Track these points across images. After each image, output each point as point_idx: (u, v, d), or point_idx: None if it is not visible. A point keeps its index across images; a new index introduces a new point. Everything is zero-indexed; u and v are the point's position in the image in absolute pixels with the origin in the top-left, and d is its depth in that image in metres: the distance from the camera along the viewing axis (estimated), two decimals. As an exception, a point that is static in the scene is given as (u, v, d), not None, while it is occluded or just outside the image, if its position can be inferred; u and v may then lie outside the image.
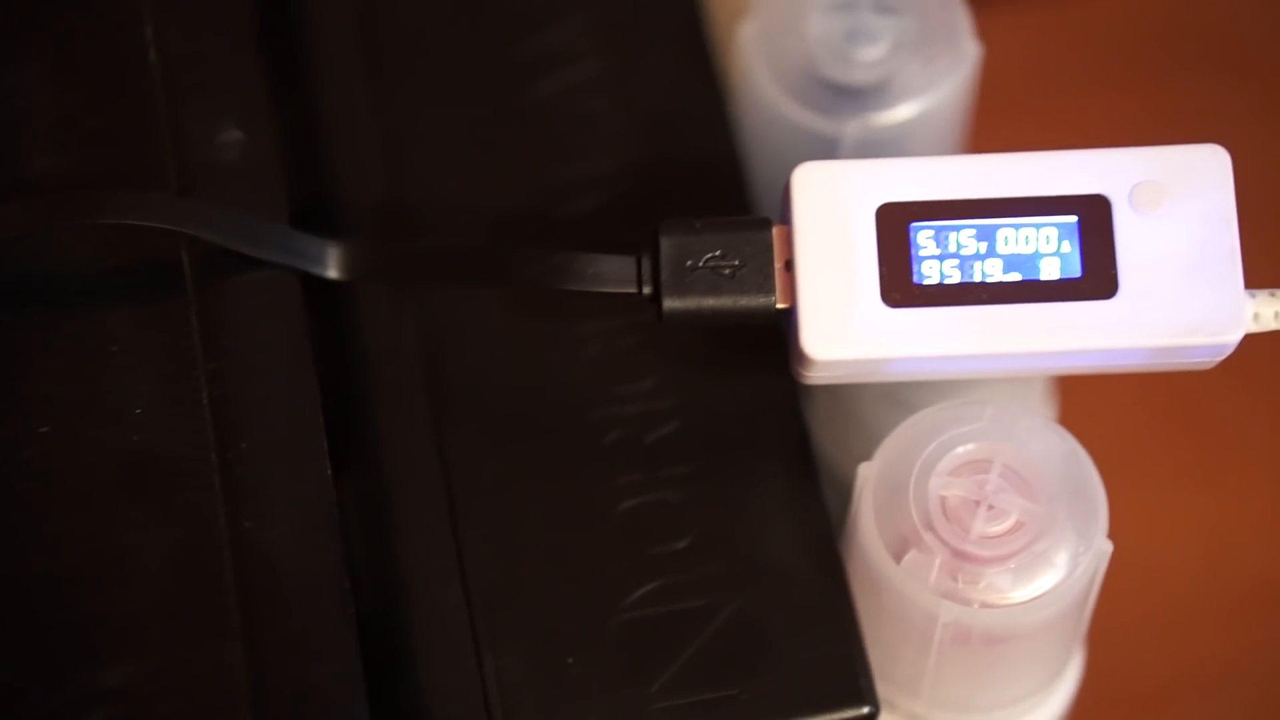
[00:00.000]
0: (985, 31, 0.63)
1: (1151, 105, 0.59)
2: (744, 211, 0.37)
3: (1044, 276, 0.33)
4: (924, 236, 0.33)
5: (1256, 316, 0.34)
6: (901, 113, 0.38)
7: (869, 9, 0.38)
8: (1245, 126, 0.58)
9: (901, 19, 0.38)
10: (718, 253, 0.34)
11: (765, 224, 0.34)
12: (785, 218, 0.34)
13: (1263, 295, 0.34)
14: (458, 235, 0.37)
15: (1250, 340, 0.35)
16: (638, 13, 0.40)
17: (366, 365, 0.36)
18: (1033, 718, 0.37)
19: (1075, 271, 0.33)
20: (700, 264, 0.34)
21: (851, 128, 0.38)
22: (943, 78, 0.38)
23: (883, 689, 0.36)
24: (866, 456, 0.35)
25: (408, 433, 0.35)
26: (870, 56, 0.38)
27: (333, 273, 0.34)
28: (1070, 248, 0.33)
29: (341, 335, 0.37)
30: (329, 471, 0.33)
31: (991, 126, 0.61)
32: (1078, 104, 0.59)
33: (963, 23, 0.38)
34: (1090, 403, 0.56)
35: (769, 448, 0.36)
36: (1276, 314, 0.33)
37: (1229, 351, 0.33)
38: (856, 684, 0.34)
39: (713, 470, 0.36)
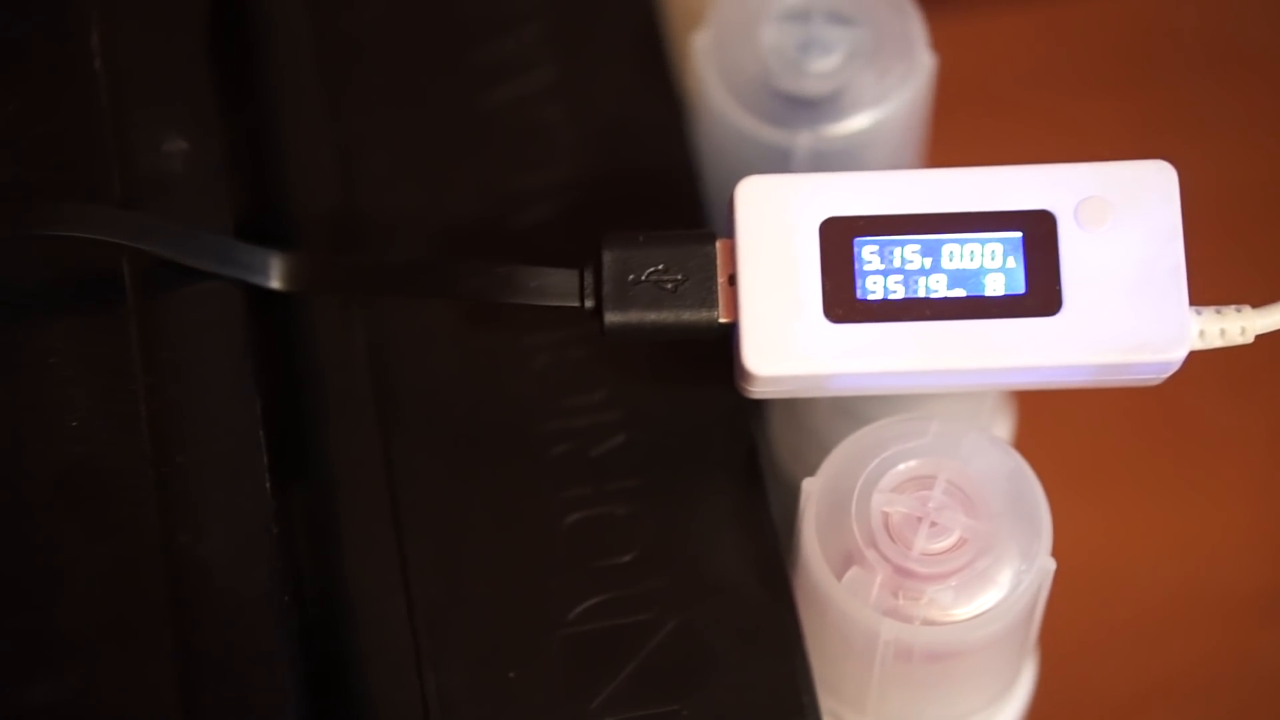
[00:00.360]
0: (968, 34, 0.64)
1: (1136, 109, 0.58)
2: (698, 223, 0.37)
3: (988, 293, 0.33)
4: (868, 251, 0.33)
5: (1202, 334, 0.33)
6: (855, 124, 0.37)
7: (823, 20, 0.38)
8: (1229, 131, 0.58)
9: (855, 30, 0.38)
10: (660, 266, 0.34)
11: (709, 238, 0.34)
12: (730, 231, 0.34)
13: (1208, 312, 0.33)
14: (406, 246, 0.37)
15: (1225, 351, 0.35)
16: (594, 22, 0.39)
17: (315, 376, 0.36)
18: (984, 732, 0.37)
19: (1020, 288, 0.33)
20: (643, 278, 0.34)
21: (804, 139, 0.37)
22: (896, 89, 0.37)
23: (830, 703, 0.36)
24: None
25: (354, 444, 0.35)
26: (824, 67, 0.37)
27: (276, 284, 0.34)
28: (1015, 264, 0.33)
29: (291, 345, 0.36)
30: (268, 485, 0.33)
31: (975, 129, 0.61)
32: (1062, 107, 0.58)
33: (918, 33, 0.38)
34: (1063, 412, 0.56)
35: (717, 461, 0.36)
36: (1222, 331, 0.33)
37: (1174, 369, 0.33)
38: (799, 701, 0.34)
39: (660, 484, 0.36)
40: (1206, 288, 0.58)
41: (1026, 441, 0.54)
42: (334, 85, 0.38)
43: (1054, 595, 0.56)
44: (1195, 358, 0.35)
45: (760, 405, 0.40)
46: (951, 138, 0.61)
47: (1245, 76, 0.59)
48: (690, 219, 0.38)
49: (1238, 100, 0.58)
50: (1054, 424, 0.53)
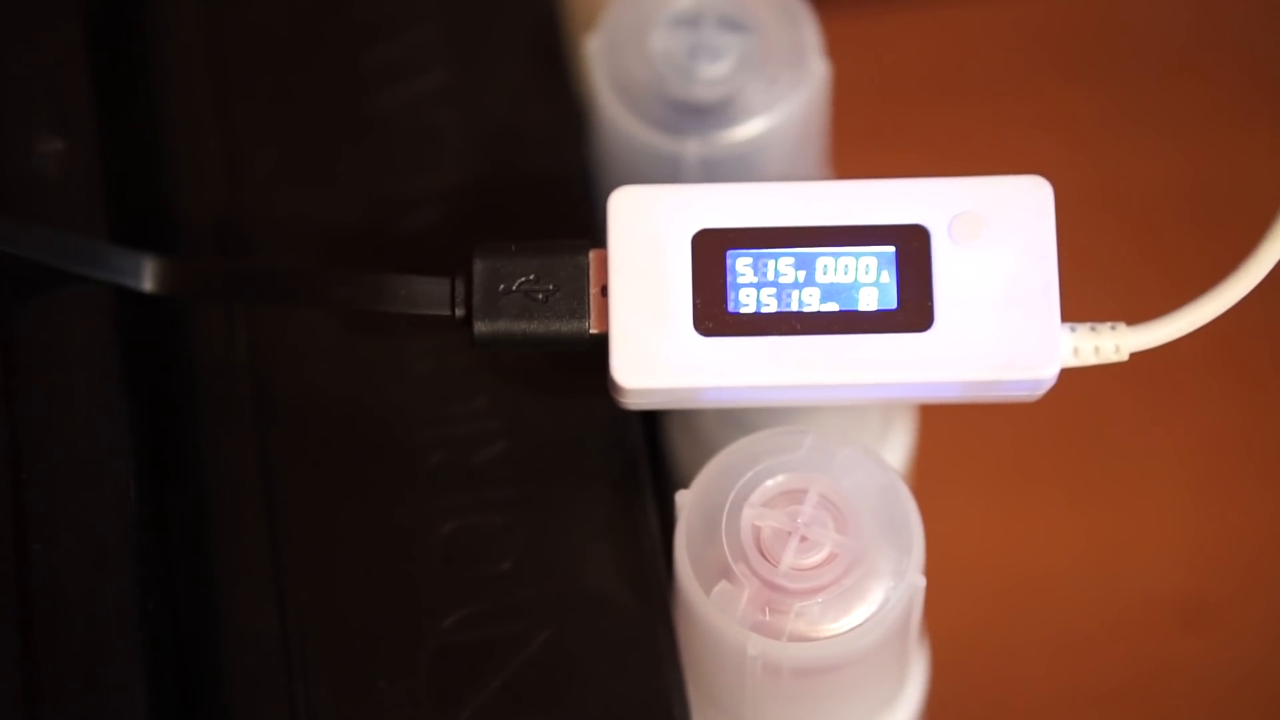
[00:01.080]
0: (912, 29, 0.63)
1: (1084, 106, 0.58)
2: (588, 232, 0.37)
3: (861, 307, 0.33)
4: (742, 264, 0.33)
5: (1076, 351, 0.33)
6: (745, 131, 0.37)
7: (713, 25, 0.37)
8: (1177, 128, 0.58)
9: (746, 36, 0.37)
10: (531, 276, 0.33)
11: (582, 248, 0.33)
12: (605, 242, 0.34)
13: (1082, 329, 0.33)
14: (291, 249, 0.37)
15: (1146, 356, 0.35)
16: (490, 23, 0.39)
17: (193, 380, 0.36)
18: (870, 745, 0.37)
19: (891, 303, 0.33)
20: (514, 288, 0.33)
21: (693, 146, 0.37)
22: (787, 96, 0.37)
23: (712, 714, 0.36)
24: (707, 479, 0.35)
25: (230, 450, 0.35)
26: (714, 74, 0.37)
27: (148, 287, 0.34)
28: (889, 278, 0.33)
29: (172, 348, 0.36)
30: (133, 491, 0.32)
31: (921, 122, 0.61)
32: (1007, 102, 0.58)
33: (811, 40, 0.37)
34: (984, 417, 0.55)
35: (597, 471, 0.36)
36: (1096, 349, 0.33)
37: (1046, 386, 0.33)
38: (670, 713, 0.33)
39: (539, 493, 0.35)
40: (1151, 286, 0.58)
41: (945, 445, 0.54)
42: (221, 84, 0.38)
43: (975, 601, 0.56)
44: (1124, 365, 0.35)
45: (657, 413, 0.40)
46: (896, 132, 0.61)
47: (1194, 73, 0.58)
48: (581, 227, 0.37)
49: (1186, 97, 0.58)
50: (974, 429, 0.53)
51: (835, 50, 0.40)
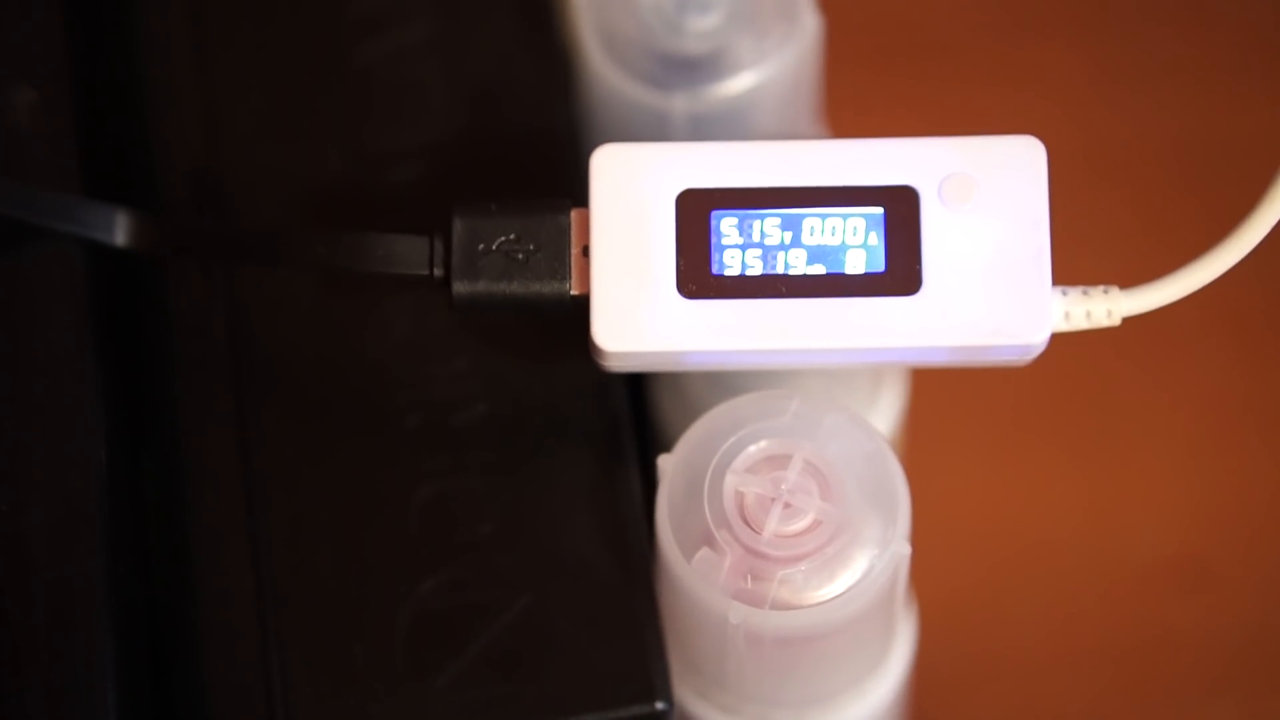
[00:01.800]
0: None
1: (1086, 57, 0.57)
2: (573, 188, 0.36)
3: (848, 270, 0.32)
4: (727, 225, 0.32)
5: (1067, 315, 0.32)
6: (734, 86, 0.36)
7: (702, -22, 0.37)
8: (1184, 82, 0.57)
9: (737, -11, 0.37)
10: (512, 236, 0.33)
11: (563, 207, 0.33)
12: (588, 200, 0.33)
13: (1074, 293, 0.32)
14: (270, 205, 0.36)
15: (1144, 318, 0.34)
16: (477, -27, 0.39)
17: (169, 339, 0.35)
18: (853, 710, 0.36)
19: (879, 266, 0.32)
20: (493, 247, 0.32)
21: (681, 101, 0.36)
22: (777, 50, 0.36)
23: (694, 680, 0.36)
24: (694, 440, 0.34)
25: (207, 411, 0.34)
26: (702, 26, 0.36)
27: (121, 241, 0.33)
28: (877, 240, 0.32)
29: (148, 307, 0.36)
30: (104, 454, 0.32)
31: (920, 75, 0.60)
32: (1007, 54, 0.57)
33: (802, -6, 0.37)
34: (979, 373, 0.55)
35: (580, 434, 0.35)
36: (1088, 313, 0.32)
37: (1037, 352, 0.32)
38: (649, 680, 0.33)
39: (520, 457, 0.35)
40: (1145, 245, 0.58)
41: (939, 405, 0.53)
42: (200, 34, 0.37)
43: (969, 563, 0.55)
44: (1121, 326, 0.34)
45: (642, 373, 0.39)
46: (885, 89, 0.60)
47: (1200, 26, 0.57)
48: (566, 183, 0.37)
49: (1180, 52, 0.57)
50: (969, 389, 0.52)
51: (823, 5, 0.39)
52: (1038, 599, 0.52)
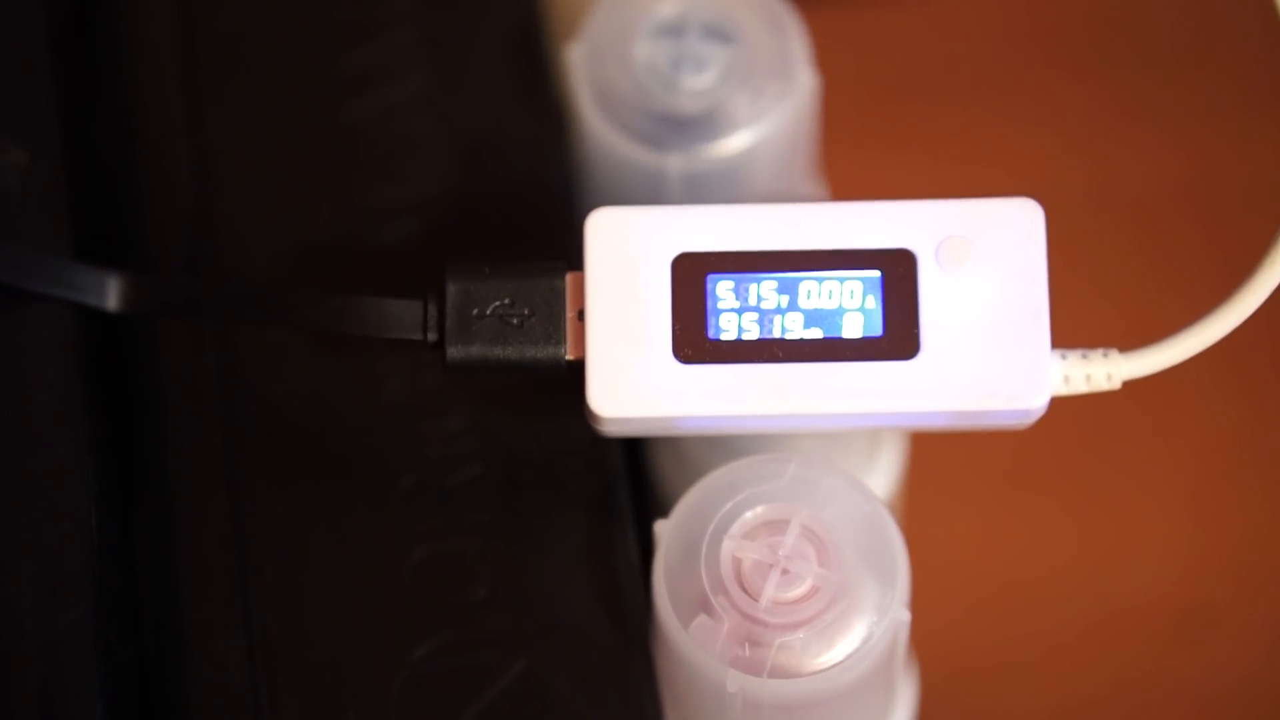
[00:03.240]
0: (913, 20, 0.62)
1: (1084, 98, 0.57)
2: (569, 247, 0.36)
3: (845, 334, 0.32)
4: (723, 288, 0.32)
5: (1067, 379, 0.32)
6: (730, 145, 0.36)
7: (698, 35, 0.36)
8: (1181, 122, 0.57)
9: (732, 46, 0.36)
10: (506, 300, 0.32)
11: (558, 270, 0.32)
12: (582, 263, 0.33)
13: (1074, 356, 0.32)
14: (263, 263, 0.36)
15: None
16: (470, 29, 0.38)
17: (161, 399, 0.35)
18: (853, 774, 0.36)
19: (877, 330, 0.32)
20: (488, 312, 0.32)
21: (676, 160, 0.36)
22: (773, 108, 0.36)
23: (691, 745, 0.35)
24: (691, 501, 0.34)
25: (199, 473, 0.34)
26: (698, 85, 0.36)
27: (112, 305, 0.33)
28: (874, 304, 0.32)
29: (136, 367, 0.35)
30: (93, 517, 0.32)
31: (920, 116, 0.60)
32: (1005, 94, 0.57)
33: (798, 51, 0.36)
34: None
35: (576, 495, 0.35)
36: (1088, 377, 0.32)
37: (1036, 416, 0.32)
38: (647, 748, 0.33)
39: (514, 518, 0.34)
40: (1150, 285, 0.57)
41: (940, 451, 0.53)
42: (192, 90, 0.37)
43: (966, 609, 0.55)
44: None
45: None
46: (890, 130, 0.60)
47: (1193, 67, 0.57)
48: (561, 242, 0.36)
49: (1185, 91, 0.56)
50: (969, 438, 0.52)
51: (828, 45, 0.39)
52: (1039, 650, 0.51)
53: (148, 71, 0.37)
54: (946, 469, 0.52)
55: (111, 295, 0.33)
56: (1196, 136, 0.56)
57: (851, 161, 0.51)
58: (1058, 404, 0.36)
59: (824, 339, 0.32)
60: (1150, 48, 0.57)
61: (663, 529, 0.33)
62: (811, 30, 0.38)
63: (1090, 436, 0.53)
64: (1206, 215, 0.55)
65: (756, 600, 0.32)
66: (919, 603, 0.34)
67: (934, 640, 0.44)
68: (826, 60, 0.39)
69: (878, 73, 0.56)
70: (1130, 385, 0.33)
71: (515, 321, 0.32)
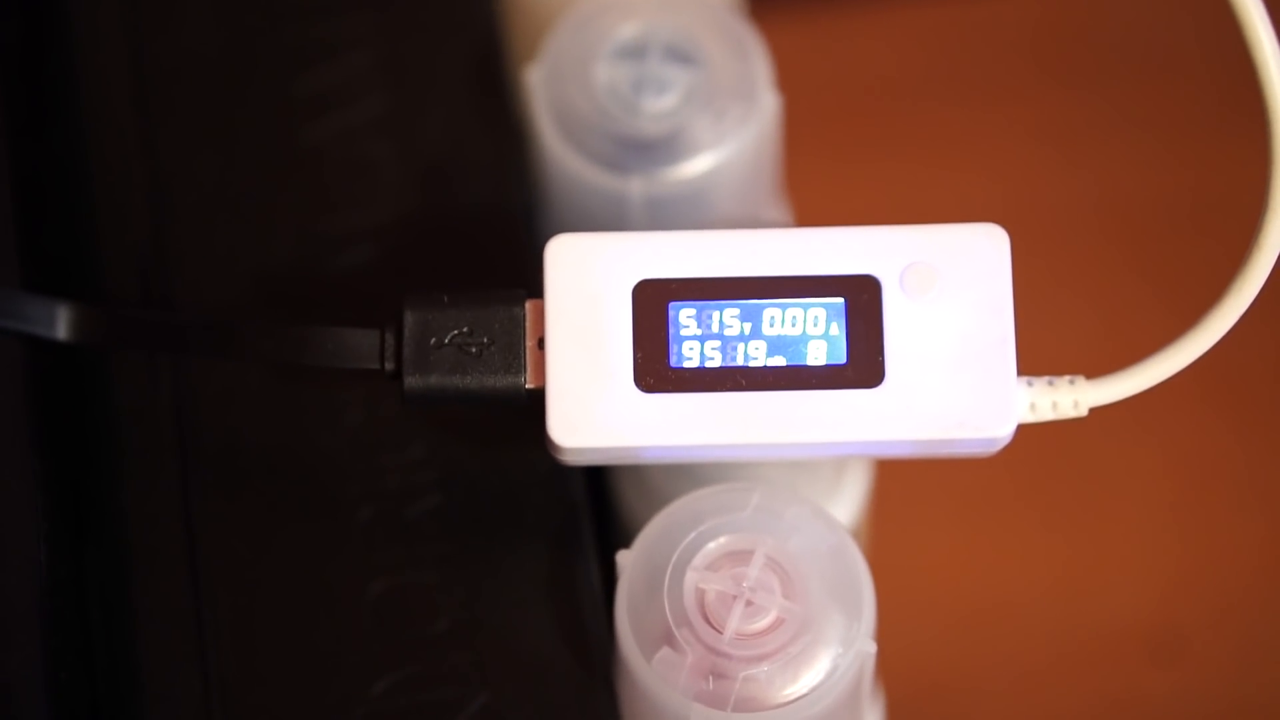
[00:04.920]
0: (876, 33, 0.62)
1: (1046, 115, 0.57)
2: (528, 272, 0.35)
3: (809, 362, 0.31)
4: (685, 316, 0.31)
5: (1033, 407, 0.32)
6: (692, 168, 0.35)
7: (659, 57, 0.36)
8: (1143, 138, 0.56)
9: (694, 69, 0.36)
10: (465, 329, 0.32)
11: (517, 298, 0.32)
12: (543, 290, 0.32)
13: (1039, 384, 0.32)
14: (219, 290, 0.35)
15: None
16: (429, 52, 0.37)
17: (113, 431, 0.34)
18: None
19: (841, 358, 0.31)
20: (445, 341, 0.32)
21: (638, 183, 0.36)
22: (735, 131, 0.35)
23: (656, 778, 0.35)
24: (654, 529, 0.33)
25: (152, 506, 0.33)
26: (659, 108, 0.35)
27: (62, 335, 0.32)
28: (838, 331, 0.31)
29: (88, 399, 0.35)
30: (42, 557, 0.31)
31: (882, 133, 0.59)
32: (964, 112, 0.57)
33: (761, 73, 0.36)
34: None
35: (537, 525, 0.34)
36: (1054, 404, 0.32)
37: (1002, 444, 0.31)
38: (609, 784, 0.32)
39: (475, 549, 0.34)
40: (1116, 298, 0.57)
41: (906, 472, 0.52)
42: (144, 113, 0.36)
43: (935, 634, 0.55)
44: None
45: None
46: (871, 136, 0.59)
47: (1177, 77, 0.57)
48: (521, 267, 0.36)
49: (1170, 101, 0.56)
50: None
51: (803, 54, 0.38)
52: (1008, 674, 0.51)
53: (99, 95, 0.36)
54: (914, 494, 0.52)
55: (62, 326, 0.32)
56: (1176, 149, 0.56)
57: (823, 175, 0.50)
58: (1026, 428, 0.35)
59: (788, 366, 0.31)
60: (1129, 59, 0.57)
61: (625, 560, 0.32)
62: (785, 40, 0.38)
63: (1059, 460, 0.53)
64: (1186, 227, 0.55)
65: (720, 632, 0.31)
66: (886, 627, 0.33)
67: (902, 664, 0.44)
68: (801, 70, 0.39)
69: (851, 83, 0.55)
70: (1102, 407, 0.33)
71: (474, 350, 0.32)
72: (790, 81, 0.38)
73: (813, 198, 0.43)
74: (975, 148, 0.56)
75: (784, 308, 0.31)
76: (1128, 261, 0.55)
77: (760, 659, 0.31)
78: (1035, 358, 0.33)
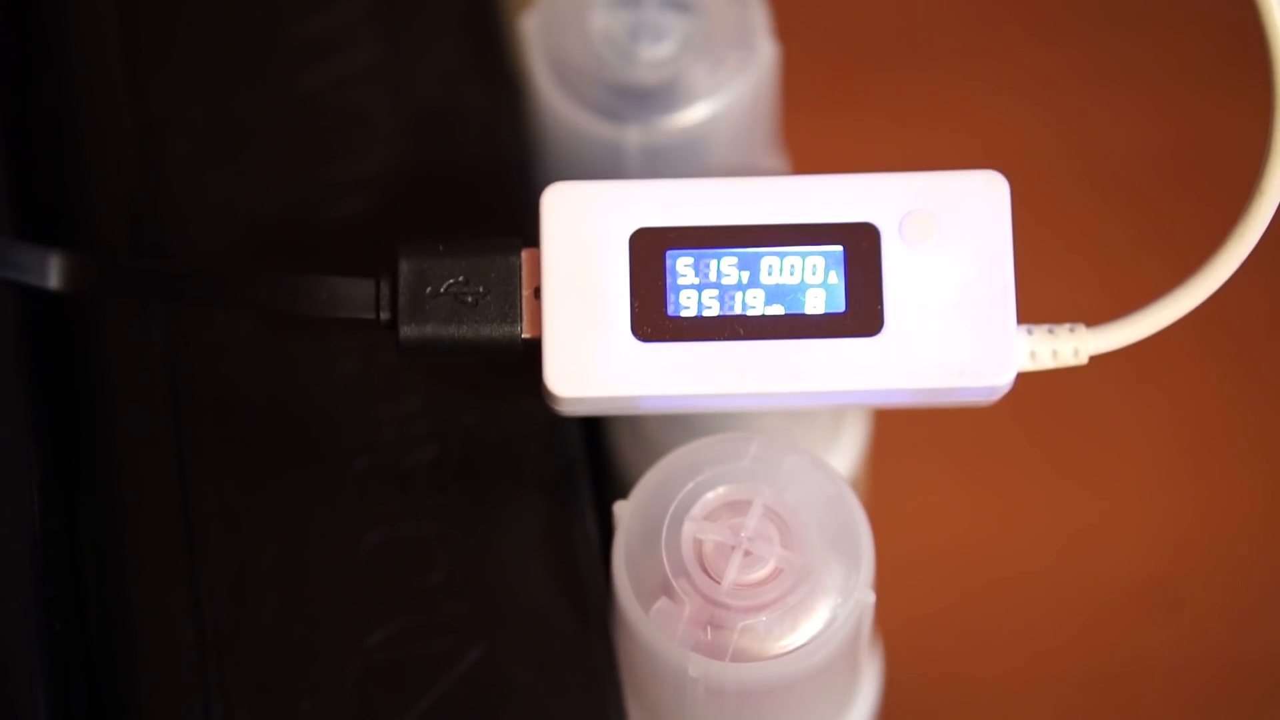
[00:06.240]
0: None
1: (1054, 63, 0.56)
2: (524, 221, 0.35)
3: (808, 310, 0.31)
4: (682, 264, 0.31)
5: (1033, 355, 0.31)
6: (689, 116, 0.35)
7: (656, 4, 0.35)
8: (1154, 85, 0.56)
9: (691, 16, 0.35)
10: (460, 278, 0.31)
11: (513, 247, 0.31)
12: (539, 239, 0.32)
13: (1039, 332, 0.31)
14: (210, 240, 0.35)
15: None
16: (423, -1, 0.37)
17: (106, 382, 0.34)
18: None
19: (840, 306, 0.31)
20: (441, 290, 0.31)
21: (634, 132, 0.35)
22: (733, 79, 0.35)
23: (652, 730, 0.35)
24: (652, 480, 0.33)
25: (146, 457, 0.33)
26: (656, 55, 0.35)
27: (54, 284, 0.32)
28: (837, 279, 0.31)
29: (80, 349, 0.35)
30: (36, 504, 0.31)
31: (888, 82, 0.59)
32: (966, 60, 0.56)
33: (758, 21, 0.35)
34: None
35: (534, 477, 0.34)
36: (1054, 352, 0.31)
37: (1002, 393, 0.31)
38: (606, 734, 0.32)
39: (471, 501, 0.33)
40: (1113, 254, 0.57)
41: (905, 427, 0.52)
42: (135, 61, 0.36)
43: (932, 585, 0.55)
44: None
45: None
46: (861, 96, 0.59)
47: (1153, 36, 0.56)
48: (517, 216, 0.35)
49: (1158, 54, 0.56)
50: (936, 412, 0.51)
51: (794, 10, 0.38)
52: (1008, 627, 0.51)
53: (89, 43, 0.36)
54: (911, 446, 0.52)
55: (53, 274, 0.32)
56: (1170, 101, 0.56)
57: (817, 130, 0.50)
58: (1026, 379, 0.35)
59: (786, 315, 0.31)
60: (1123, 11, 0.57)
61: (622, 511, 0.32)
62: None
63: (1056, 412, 0.52)
64: (1181, 180, 0.54)
65: (718, 583, 0.31)
66: (884, 580, 0.33)
67: (899, 618, 0.44)
68: (792, 26, 0.38)
69: (844, 38, 0.55)
70: (1097, 360, 0.33)
71: (470, 300, 0.31)
72: (787, 31, 0.38)
73: (806, 150, 0.43)
74: (967, 102, 0.56)
75: (782, 256, 0.31)
76: (1121, 216, 0.54)
77: (758, 609, 0.31)
78: (1033, 311, 0.33)
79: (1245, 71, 0.56)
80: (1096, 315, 0.34)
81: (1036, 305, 0.34)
